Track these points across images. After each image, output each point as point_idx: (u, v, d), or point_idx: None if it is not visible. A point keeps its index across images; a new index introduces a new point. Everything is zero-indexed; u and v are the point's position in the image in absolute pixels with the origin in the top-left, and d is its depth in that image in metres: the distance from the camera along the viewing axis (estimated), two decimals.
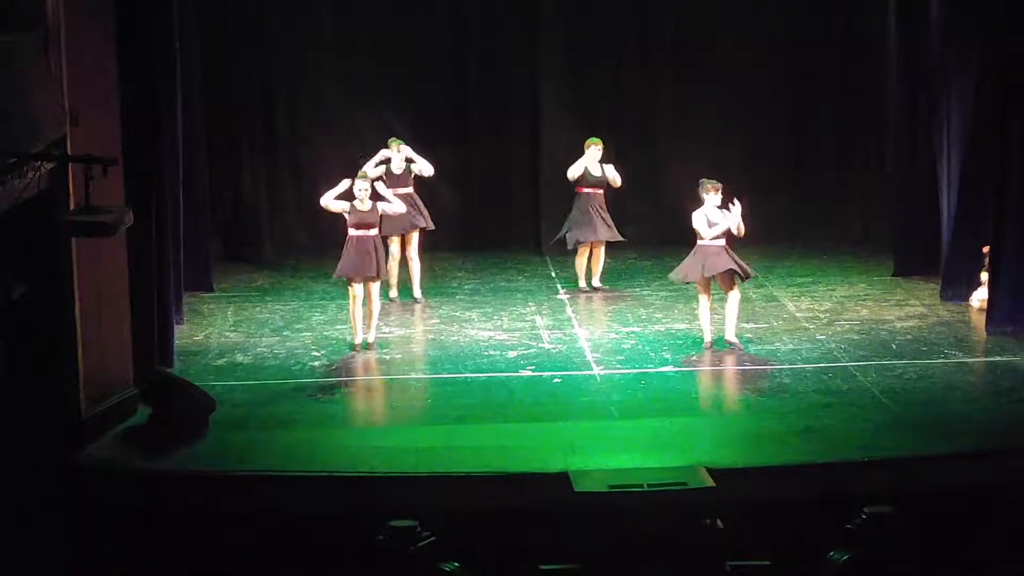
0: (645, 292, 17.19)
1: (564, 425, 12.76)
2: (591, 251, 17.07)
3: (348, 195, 15.06)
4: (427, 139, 19.07)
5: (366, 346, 14.94)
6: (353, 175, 15.26)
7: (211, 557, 11.06)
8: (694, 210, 14.69)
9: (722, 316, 14.84)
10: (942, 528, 10.93)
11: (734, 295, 14.71)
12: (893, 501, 10.24)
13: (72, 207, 11.63)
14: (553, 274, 18.02)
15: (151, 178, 13.47)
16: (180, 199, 15.30)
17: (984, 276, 15.73)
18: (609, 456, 11.73)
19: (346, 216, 15.02)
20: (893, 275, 17.43)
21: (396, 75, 19.00)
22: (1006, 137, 14.57)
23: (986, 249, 15.47)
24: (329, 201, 15.09)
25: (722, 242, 14.62)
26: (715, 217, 14.62)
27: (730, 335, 14.81)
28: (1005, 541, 11.19)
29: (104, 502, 11.35)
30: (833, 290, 16.93)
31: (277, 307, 16.74)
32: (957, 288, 16.31)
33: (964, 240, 16.08)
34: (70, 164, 11.63)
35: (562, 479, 11.08)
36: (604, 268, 17.33)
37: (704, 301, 14.80)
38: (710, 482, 10.96)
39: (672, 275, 15.07)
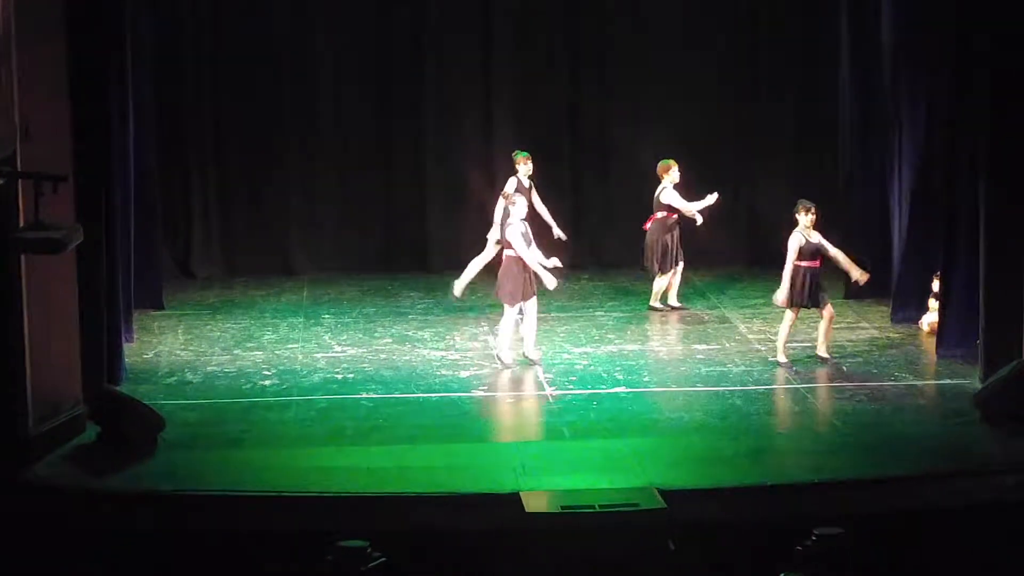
0: (598, 313, 17.21)
1: (516, 446, 12.76)
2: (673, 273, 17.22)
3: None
4: (383, 160, 19.13)
5: (527, 361, 14.98)
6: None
7: None
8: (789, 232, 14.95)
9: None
10: (891, 550, 10.97)
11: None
12: (843, 523, 10.27)
13: (22, 223, 11.54)
14: None
15: (101, 195, 13.38)
16: (131, 216, 15.22)
17: (932, 302, 15.87)
18: (561, 477, 11.71)
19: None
20: (844, 297, 17.48)
21: (352, 92, 18.99)
22: (956, 162, 14.67)
23: (936, 282, 15.66)
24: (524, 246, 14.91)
25: (817, 263, 14.87)
26: (810, 239, 14.83)
27: (822, 350, 15.12)
28: (953, 563, 11.24)
29: (51, 521, 11.24)
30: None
31: (228, 325, 16.66)
32: (907, 311, 16.43)
33: (914, 263, 16.21)
34: (20, 180, 11.55)
35: (514, 500, 11.05)
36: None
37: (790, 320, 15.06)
38: (662, 503, 10.97)
39: (777, 299, 15.08)
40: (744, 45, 19.35)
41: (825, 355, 15.06)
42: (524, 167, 17.14)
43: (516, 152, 17.32)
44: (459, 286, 17.14)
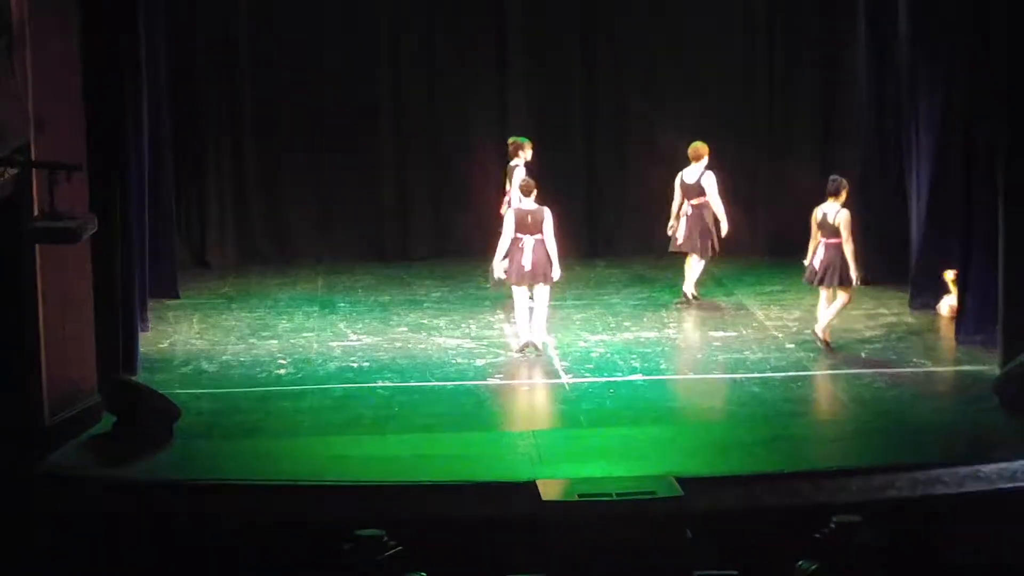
0: (614, 300, 17.16)
1: (532, 434, 12.72)
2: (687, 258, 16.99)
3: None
4: (398, 148, 19.10)
5: (534, 351, 14.90)
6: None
7: (174, 566, 10.98)
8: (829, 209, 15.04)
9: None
10: (910, 537, 10.93)
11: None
12: (861, 510, 10.22)
13: (36, 213, 11.53)
14: None
15: (116, 185, 13.38)
16: (145, 206, 15.21)
17: (949, 274, 15.77)
18: (577, 465, 11.69)
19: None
20: (862, 283, 17.41)
21: (364, 86, 18.95)
22: (973, 146, 14.61)
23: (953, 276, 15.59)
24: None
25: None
26: None
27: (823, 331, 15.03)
28: (971, 550, 11.20)
29: (67, 510, 11.25)
30: (802, 299, 16.90)
31: (243, 315, 16.65)
32: (926, 296, 16.36)
33: (933, 248, 16.13)
34: (34, 170, 11.54)
35: (530, 488, 11.03)
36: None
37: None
38: (679, 491, 10.93)
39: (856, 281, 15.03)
40: (763, 37, 19.24)
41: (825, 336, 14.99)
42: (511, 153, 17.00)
43: (517, 139, 17.12)
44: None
